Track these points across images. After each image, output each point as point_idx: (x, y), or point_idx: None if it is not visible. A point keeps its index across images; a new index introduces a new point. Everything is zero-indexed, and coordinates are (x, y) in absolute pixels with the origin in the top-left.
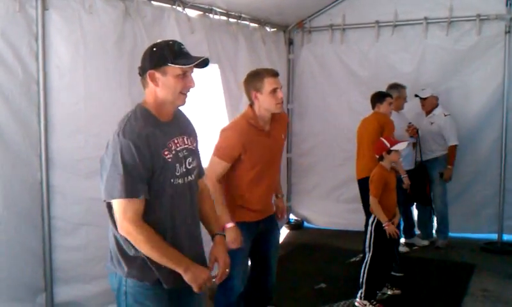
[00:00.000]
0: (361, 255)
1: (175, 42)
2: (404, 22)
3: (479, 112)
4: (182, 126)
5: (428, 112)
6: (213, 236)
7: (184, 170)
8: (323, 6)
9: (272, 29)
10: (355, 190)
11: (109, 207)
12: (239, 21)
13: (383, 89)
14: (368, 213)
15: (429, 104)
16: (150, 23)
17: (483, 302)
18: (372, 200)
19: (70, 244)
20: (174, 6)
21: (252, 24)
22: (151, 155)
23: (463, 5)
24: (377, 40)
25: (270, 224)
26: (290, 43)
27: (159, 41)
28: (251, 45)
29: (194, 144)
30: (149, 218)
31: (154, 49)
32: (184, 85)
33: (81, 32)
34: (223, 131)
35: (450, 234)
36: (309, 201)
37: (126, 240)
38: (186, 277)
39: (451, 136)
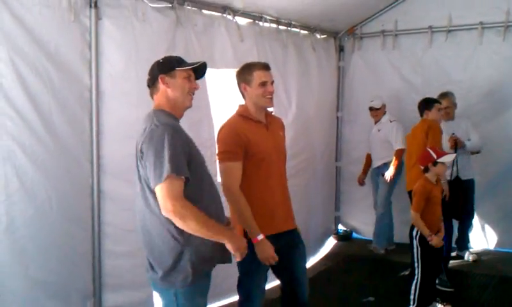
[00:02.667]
0: (410, 269)
1: (177, 56)
2: (459, 27)
3: None
4: None
5: (377, 121)
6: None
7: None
8: (374, 11)
9: (322, 36)
10: (405, 200)
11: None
12: (289, 28)
13: (436, 96)
14: (412, 226)
15: (381, 113)
16: (201, 31)
17: None
18: (414, 214)
19: (120, 250)
20: (224, 15)
21: (302, 31)
22: (187, 140)
23: None
24: (430, 46)
25: (292, 241)
26: (340, 50)
27: (164, 57)
28: (300, 53)
29: None
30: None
31: (161, 61)
32: (191, 86)
33: (134, 41)
34: (220, 133)
35: (500, 249)
36: (358, 211)
37: (172, 236)
38: (231, 246)
39: (397, 140)
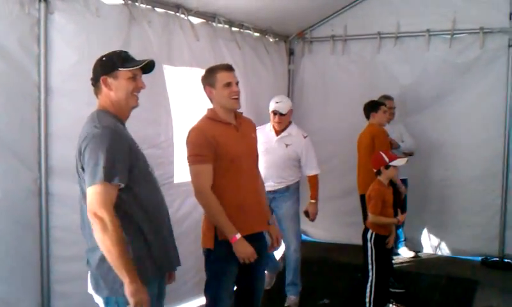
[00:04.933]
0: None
1: (121, 51)
2: (407, 34)
3: (480, 126)
4: None
5: (282, 131)
6: None
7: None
8: (324, 16)
9: (274, 39)
10: (354, 202)
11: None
12: (241, 30)
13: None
14: (366, 229)
15: (287, 121)
16: (158, 29)
17: None
18: (372, 217)
19: (70, 255)
20: (178, 13)
21: (255, 34)
22: (128, 143)
23: (466, 18)
24: (378, 51)
25: (260, 247)
26: (290, 53)
27: (108, 53)
28: (256, 54)
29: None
30: (131, 207)
31: (104, 59)
32: (135, 86)
33: (86, 36)
34: (189, 136)
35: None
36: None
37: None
38: (128, 290)
39: (313, 163)
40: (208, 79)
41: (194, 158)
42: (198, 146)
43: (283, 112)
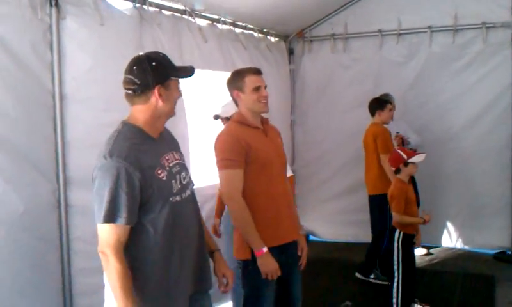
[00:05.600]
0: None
1: (164, 55)
2: (408, 31)
3: (486, 119)
4: (169, 142)
5: None
6: (211, 253)
7: (180, 186)
8: (323, 15)
9: (275, 39)
10: (359, 201)
11: None
12: (244, 31)
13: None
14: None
15: None
16: (168, 31)
17: None
18: (397, 216)
19: (92, 267)
20: (185, 16)
21: (256, 34)
22: (142, 176)
23: (467, 13)
24: (380, 49)
25: (294, 256)
26: (290, 53)
27: (149, 53)
28: (261, 54)
29: (183, 158)
30: (148, 244)
31: (153, 64)
32: (179, 95)
33: (99, 41)
34: (217, 141)
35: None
36: (314, 214)
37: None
38: None
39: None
40: (236, 83)
41: (225, 162)
42: (229, 151)
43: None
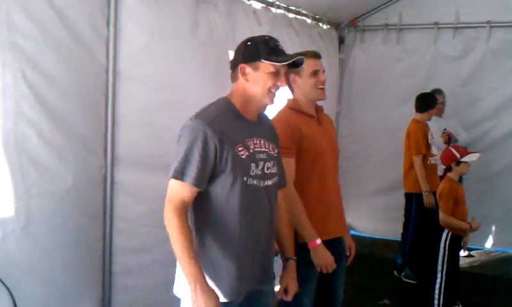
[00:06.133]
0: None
1: (271, 38)
2: (466, 25)
3: None
4: (265, 130)
5: None
6: (285, 259)
7: (260, 173)
8: (378, 4)
9: (326, 26)
10: (400, 196)
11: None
12: (297, 16)
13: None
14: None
15: None
16: (224, 12)
17: None
18: (444, 216)
19: (133, 246)
20: None
21: (309, 21)
22: (221, 144)
23: None
24: (435, 42)
25: (340, 252)
26: (341, 41)
27: (255, 36)
28: (312, 41)
29: (276, 151)
30: (217, 219)
31: (249, 43)
32: (274, 83)
33: (156, 18)
34: None
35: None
36: (352, 207)
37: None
38: (191, 298)
39: None
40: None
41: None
42: (283, 138)
43: None
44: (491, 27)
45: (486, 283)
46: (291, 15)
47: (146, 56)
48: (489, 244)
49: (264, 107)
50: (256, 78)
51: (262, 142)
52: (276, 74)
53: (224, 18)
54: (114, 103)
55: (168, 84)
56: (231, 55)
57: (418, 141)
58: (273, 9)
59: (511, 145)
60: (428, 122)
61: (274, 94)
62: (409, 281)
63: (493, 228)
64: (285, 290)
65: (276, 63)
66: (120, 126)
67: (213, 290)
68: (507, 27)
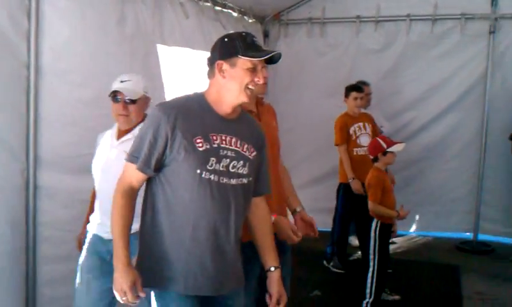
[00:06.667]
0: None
1: (247, 34)
2: (387, 18)
3: (460, 109)
4: (243, 130)
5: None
6: (268, 270)
7: (223, 169)
8: None
9: (251, 20)
10: (329, 187)
11: None
12: (224, 9)
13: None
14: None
15: (138, 113)
16: (151, 5)
17: (482, 305)
18: (373, 205)
19: (58, 254)
20: None
21: (235, 14)
22: (173, 132)
23: (447, 3)
24: (357, 35)
25: (283, 245)
26: (265, 35)
27: (231, 32)
28: None
29: (254, 154)
30: (169, 206)
31: (226, 40)
32: (252, 79)
33: (80, 10)
34: None
35: (424, 233)
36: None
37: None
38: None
39: None
40: None
41: None
42: None
43: (134, 98)
44: (411, 20)
45: (410, 268)
46: (217, 8)
47: (70, 51)
48: (412, 229)
49: (237, 106)
50: (234, 74)
51: (233, 140)
52: (253, 70)
53: (152, 10)
54: (37, 101)
55: (93, 80)
56: (159, 48)
57: (337, 131)
58: (200, 2)
59: (428, 135)
60: (371, 113)
61: (251, 92)
62: (338, 270)
63: (415, 214)
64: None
65: (253, 59)
66: (43, 125)
67: (132, 272)
68: (426, 21)
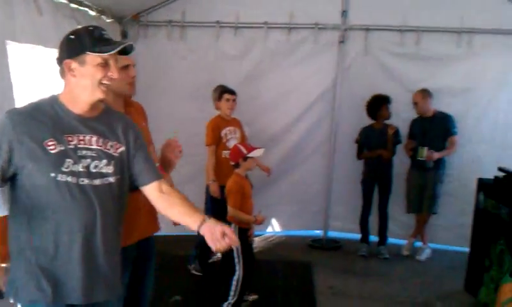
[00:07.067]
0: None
1: (96, 27)
2: (245, 25)
3: (312, 115)
4: (105, 127)
5: None
6: (200, 224)
7: (83, 170)
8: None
9: (110, 20)
10: (190, 191)
11: None
12: (80, 7)
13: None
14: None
15: None
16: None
17: (334, 299)
18: (232, 210)
19: None
20: None
21: (92, 12)
22: (19, 138)
23: (302, 13)
24: (217, 40)
25: (147, 254)
26: (124, 36)
27: (78, 27)
28: None
29: (119, 151)
30: (27, 211)
31: (71, 37)
32: (104, 75)
33: None
34: None
35: (279, 232)
36: None
37: None
38: None
39: None
40: None
41: None
42: None
43: None
44: (268, 27)
45: (266, 267)
46: (73, 6)
47: None
48: (267, 229)
49: (94, 102)
50: (84, 72)
51: (93, 139)
52: (104, 65)
53: (1, 5)
54: None
55: None
56: (8, 45)
57: (209, 132)
58: None
59: (284, 139)
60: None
61: (105, 87)
62: (197, 273)
63: (271, 215)
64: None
65: (102, 54)
66: None
67: None
68: (283, 29)
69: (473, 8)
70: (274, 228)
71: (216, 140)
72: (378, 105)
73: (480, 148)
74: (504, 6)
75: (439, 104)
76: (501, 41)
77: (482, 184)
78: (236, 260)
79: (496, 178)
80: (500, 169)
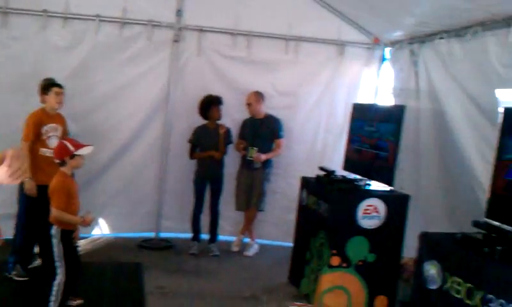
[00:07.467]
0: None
1: None
2: (76, 16)
3: (145, 113)
4: None
5: None
6: None
7: None
8: None
9: None
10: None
11: None
12: None
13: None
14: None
15: None
16: None
17: (164, 298)
18: (57, 212)
19: None
20: None
21: None
22: None
23: (136, 8)
24: (44, 30)
25: None
26: None
27: None
28: None
29: None
30: None
31: None
32: None
33: None
34: None
35: (107, 234)
36: None
37: None
38: None
39: None
40: None
41: None
42: None
43: None
44: (100, 21)
45: (92, 270)
46: None
47: None
48: (94, 231)
49: None
50: None
51: None
52: None
53: None
54: None
55: None
56: None
57: (29, 126)
58: None
59: (115, 137)
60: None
61: None
62: (23, 278)
63: (99, 216)
64: None
65: None
66: None
67: None
68: (115, 23)
69: (300, 18)
70: (102, 229)
71: (34, 136)
72: (209, 105)
73: (305, 148)
74: (328, 18)
75: (267, 107)
76: (325, 49)
77: (305, 182)
78: (58, 264)
79: (317, 176)
80: (321, 168)
